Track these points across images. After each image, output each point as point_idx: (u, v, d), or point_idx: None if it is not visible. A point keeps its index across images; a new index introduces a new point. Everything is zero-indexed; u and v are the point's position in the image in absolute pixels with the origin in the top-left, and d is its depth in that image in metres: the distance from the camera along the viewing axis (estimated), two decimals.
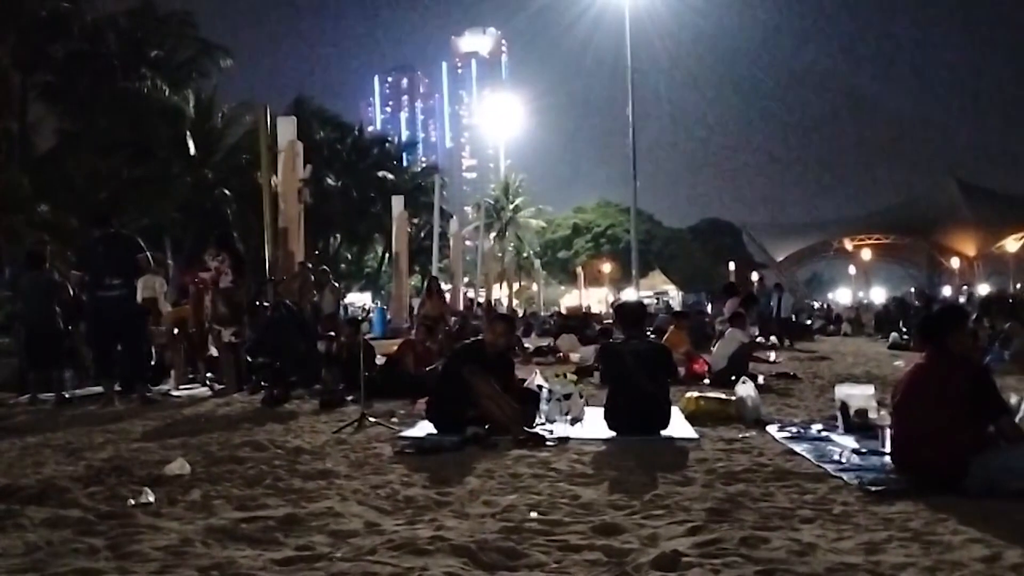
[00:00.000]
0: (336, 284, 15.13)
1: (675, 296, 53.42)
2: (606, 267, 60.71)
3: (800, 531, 3.53)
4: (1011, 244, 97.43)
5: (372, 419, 6.83)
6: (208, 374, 10.47)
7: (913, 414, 4.51)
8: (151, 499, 4.18)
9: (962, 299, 34.29)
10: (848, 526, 3.64)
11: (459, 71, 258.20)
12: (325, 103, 48.43)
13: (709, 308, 19.70)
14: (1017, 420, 4.84)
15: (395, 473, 4.88)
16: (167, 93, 31.91)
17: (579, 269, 57.05)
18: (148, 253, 9.31)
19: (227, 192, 32.04)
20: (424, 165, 58.52)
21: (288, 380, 8.96)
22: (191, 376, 10.74)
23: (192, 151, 32.47)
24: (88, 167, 28.47)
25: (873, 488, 4.31)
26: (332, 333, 10.17)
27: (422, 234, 40.31)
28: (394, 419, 7.09)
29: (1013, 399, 5.41)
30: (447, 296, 18.73)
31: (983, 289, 49.70)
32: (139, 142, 30.74)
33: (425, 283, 16.60)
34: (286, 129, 14.23)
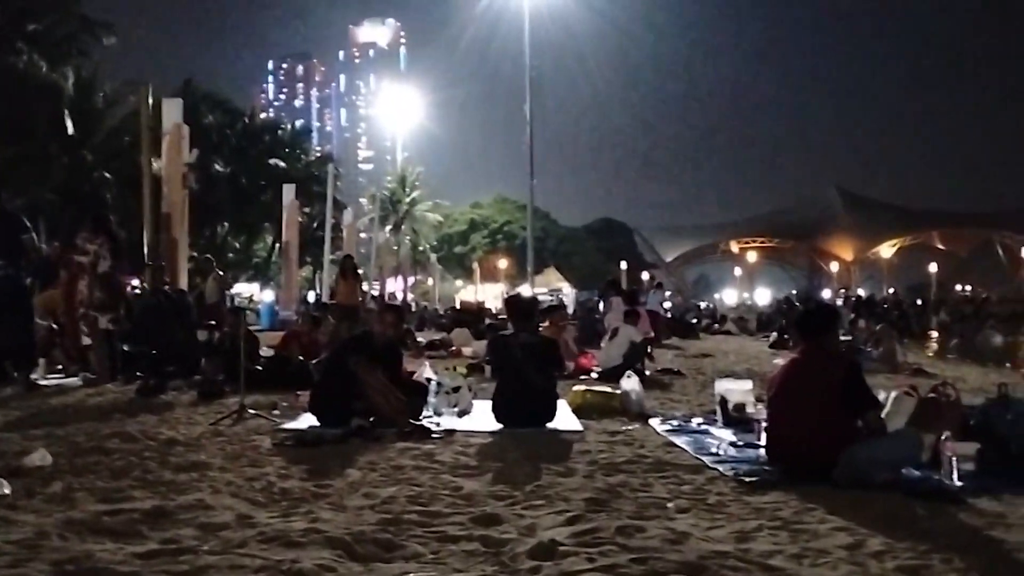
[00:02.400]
0: (221, 272, 14.64)
1: (569, 293, 54.11)
2: (502, 263, 61.00)
3: (675, 520, 3.59)
4: (885, 250, 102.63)
5: (252, 411, 6.63)
6: (80, 363, 9.96)
7: (786, 408, 4.66)
8: (7, 491, 3.93)
9: (839, 302, 35.92)
10: (721, 515, 3.72)
11: (356, 61, 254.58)
12: (216, 87, 47.09)
13: (601, 306, 20.04)
14: (883, 415, 5.07)
15: (272, 465, 4.75)
16: (45, 69, 30.37)
17: (475, 264, 57.18)
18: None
19: (108, 175, 30.76)
20: (318, 154, 57.47)
21: (165, 370, 8.62)
22: (60, 366, 10.20)
23: (71, 131, 31.00)
24: None
25: (747, 479, 4.43)
26: (214, 322, 9.84)
27: (315, 224, 39.54)
28: (275, 411, 6.90)
29: (881, 396, 5.66)
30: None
31: (861, 292, 52.18)
32: (14, 119, 29.12)
33: (340, 264, 15.14)
34: (172, 111, 13.76)
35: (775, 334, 20.65)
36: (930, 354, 19.41)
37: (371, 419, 5.88)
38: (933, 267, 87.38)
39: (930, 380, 8.76)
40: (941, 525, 3.60)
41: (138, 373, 8.85)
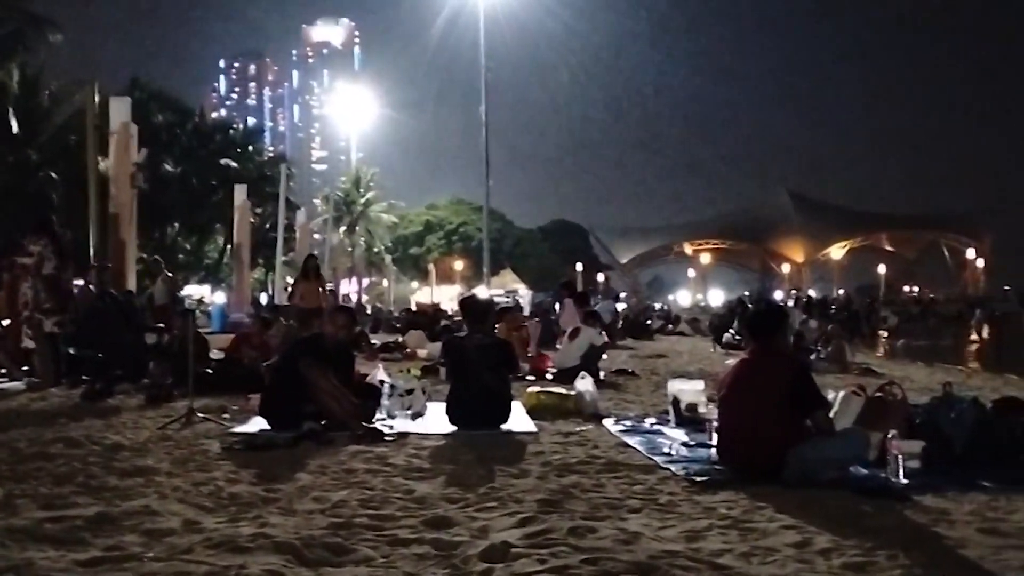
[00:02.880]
0: (170, 274, 14.38)
1: (525, 295, 54.20)
2: (458, 264, 60.94)
3: (627, 520, 3.61)
4: (836, 252, 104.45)
5: (201, 415, 6.52)
6: (24, 368, 9.71)
7: (736, 408, 4.70)
8: None
9: (790, 303, 36.48)
10: (673, 515, 3.74)
11: (310, 60, 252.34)
12: (167, 86, 46.28)
13: (557, 307, 20.12)
14: (831, 415, 5.14)
15: (221, 470, 4.67)
16: None
17: (431, 266, 57.01)
18: None
19: (53, 175, 30.02)
20: (271, 154, 56.81)
21: (112, 373, 8.44)
22: (3, 369, 9.94)
23: (15, 129, 30.24)
24: None
25: (698, 479, 4.47)
26: (162, 324, 9.66)
27: (267, 225, 39.12)
28: (225, 415, 6.79)
29: (830, 395, 5.74)
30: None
31: (812, 293, 53.05)
32: None
33: (302, 263, 14.15)
34: (119, 110, 13.51)
35: (727, 334, 20.89)
36: (879, 354, 19.81)
37: (323, 422, 5.81)
38: (882, 268, 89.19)
39: (878, 380, 8.91)
40: (887, 522, 3.66)
41: (83, 377, 8.65)
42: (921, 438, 4.83)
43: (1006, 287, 75.11)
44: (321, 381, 5.91)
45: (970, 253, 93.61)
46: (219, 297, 34.16)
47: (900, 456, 4.48)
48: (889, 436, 4.62)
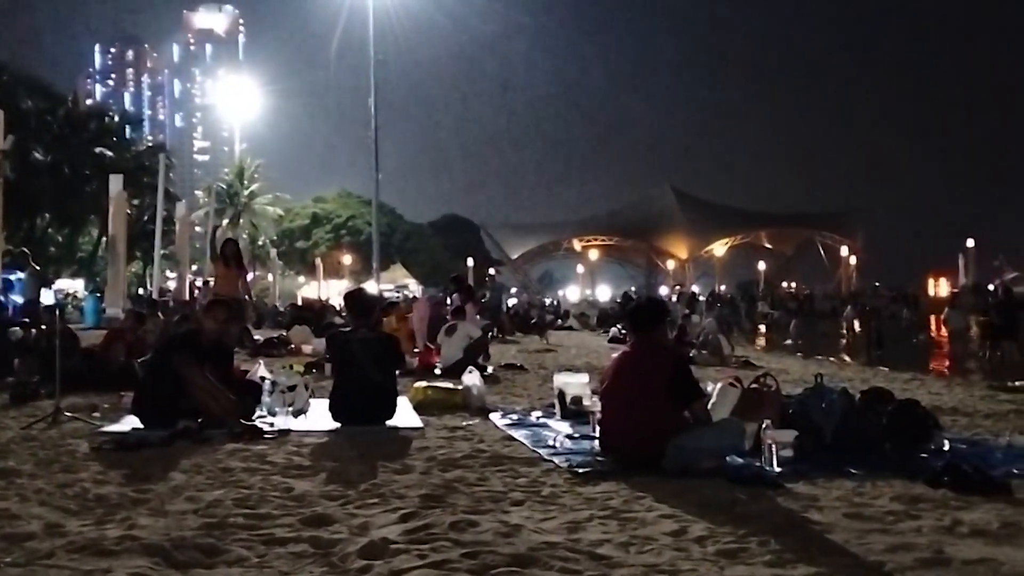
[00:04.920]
0: (37, 267, 13.64)
1: (416, 290, 53.85)
2: (347, 259, 59.97)
3: (509, 513, 3.61)
4: (718, 249, 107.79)
5: (69, 413, 6.21)
6: None
7: (617, 400, 4.78)
8: None
9: (675, 298, 37.49)
10: (554, 507, 3.77)
11: (192, 48, 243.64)
12: (39, 71, 43.94)
13: (448, 302, 20.04)
14: (709, 406, 5.28)
15: (88, 471, 4.45)
16: None
17: (318, 260, 55.87)
18: None
19: None
20: (150, 144, 54.66)
21: None
22: None
23: None
24: None
25: (580, 470, 4.52)
26: (28, 319, 9.16)
27: (145, 217, 37.60)
28: (96, 413, 6.49)
29: (709, 387, 5.90)
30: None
31: (695, 288, 54.63)
32: None
33: (220, 248, 12.38)
34: None
35: (614, 329, 21.30)
36: (758, 347, 20.55)
37: (199, 420, 5.61)
38: (762, 265, 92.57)
39: (755, 372, 9.22)
40: (760, 509, 3.78)
41: None
42: (794, 428, 5.00)
43: (876, 283, 79.14)
44: (197, 378, 5.71)
45: (844, 251, 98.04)
46: (93, 292, 32.62)
47: (774, 445, 4.63)
48: (763, 426, 4.78)
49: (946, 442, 5.36)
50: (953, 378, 12.05)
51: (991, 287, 39.83)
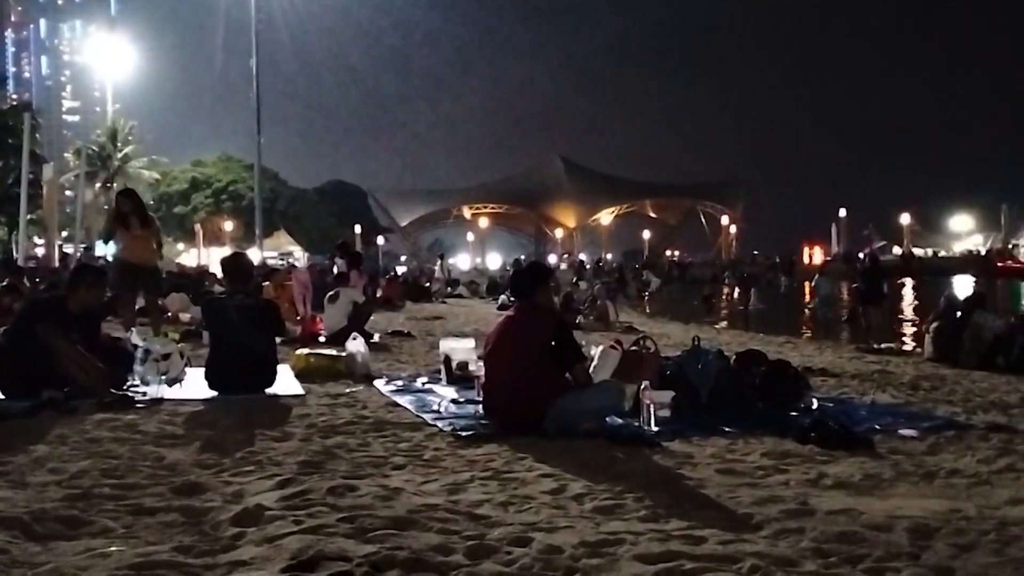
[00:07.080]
0: None
1: (300, 257, 52.77)
2: (228, 225, 58.22)
3: (390, 477, 3.58)
4: (605, 218, 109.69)
5: None
6: None
7: (500, 363, 4.80)
8: None
9: (563, 266, 38.01)
10: (436, 470, 3.77)
11: (59, 2, 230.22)
12: None
13: (334, 269, 19.69)
14: (591, 369, 5.37)
15: None
16: None
17: (198, 226, 53.99)
18: None
19: None
20: (14, 103, 51.51)
21: None
22: None
23: None
24: None
25: (463, 433, 4.52)
26: None
27: (10, 180, 35.53)
28: None
29: (592, 351, 6.00)
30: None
31: (583, 256, 55.40)
32: None
33: (115, 205, 10.15)
34: None
35: (503, 296, 21.43)
36: (643, 313, 21.03)
37: (65, 390, 5.34)
38: (647, 234, 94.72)
39: (637, 336, 9.44)
40: (637, 467, 3.87)
41: None
42: (671, 388, 5.15)
43: (755, 251, 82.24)
44: (62, 346, 5.43)
45: (724, 220, 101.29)
46: None
47: (652, 406, 4.75)
48: (642, 387, 4.89)
49: (815, 401, 5.61)
50: (823, 341, 12.61)
51: (860, 255, 41.83)
